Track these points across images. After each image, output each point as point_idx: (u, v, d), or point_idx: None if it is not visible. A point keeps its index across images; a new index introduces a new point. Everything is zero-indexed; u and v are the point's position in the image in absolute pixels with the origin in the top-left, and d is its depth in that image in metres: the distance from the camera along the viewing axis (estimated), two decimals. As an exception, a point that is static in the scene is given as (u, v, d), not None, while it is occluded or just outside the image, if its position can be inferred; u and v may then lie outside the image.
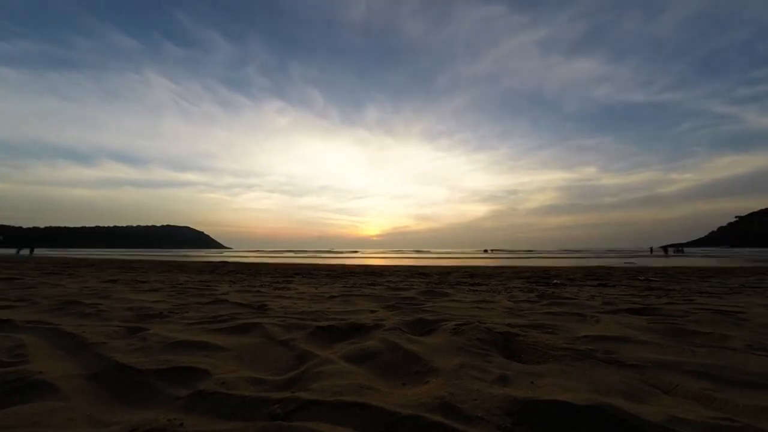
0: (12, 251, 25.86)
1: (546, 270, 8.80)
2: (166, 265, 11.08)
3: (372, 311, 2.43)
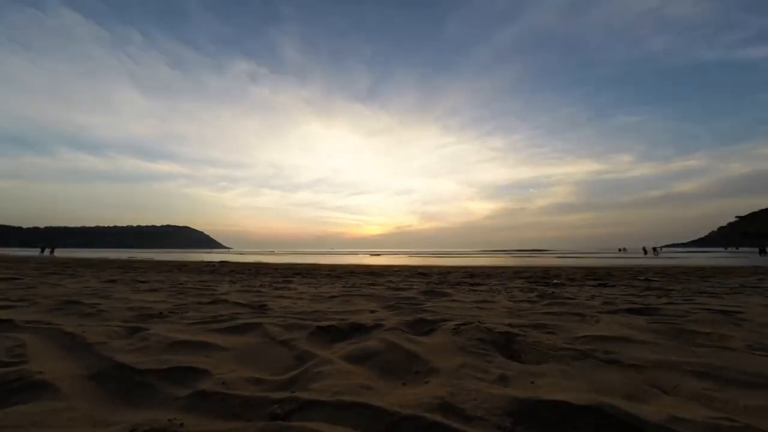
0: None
1: (546, 270, 8.80)
2: (166, 265, 11.08)
3: (372, 311, 2.43)
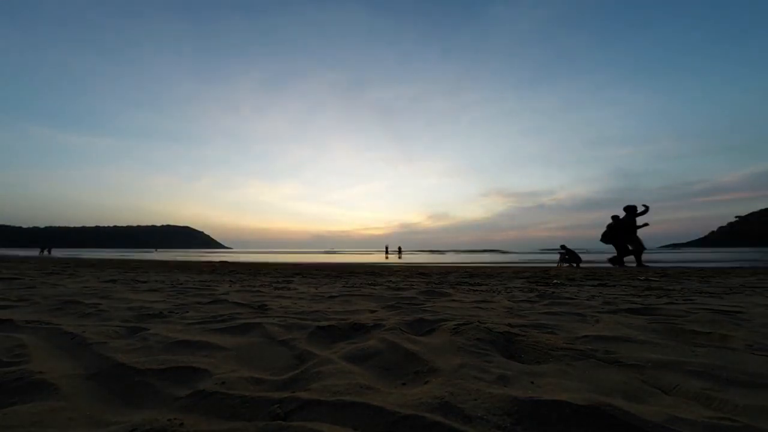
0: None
1: (546, 270, 8.80)
2: (166, 265, 11.08)
3: (372, 311, 2.43)
